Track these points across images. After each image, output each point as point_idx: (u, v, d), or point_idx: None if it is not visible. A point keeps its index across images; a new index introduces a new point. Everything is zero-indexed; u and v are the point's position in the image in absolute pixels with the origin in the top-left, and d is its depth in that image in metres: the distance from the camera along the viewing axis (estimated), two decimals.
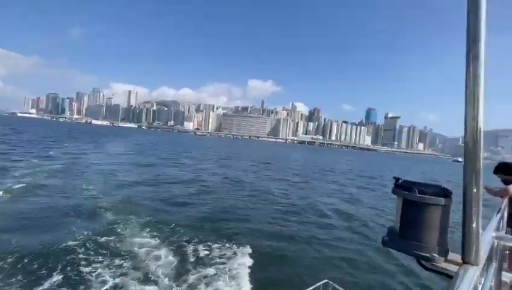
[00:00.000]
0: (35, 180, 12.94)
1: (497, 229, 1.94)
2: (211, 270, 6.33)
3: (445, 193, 1.45)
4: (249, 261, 6.89)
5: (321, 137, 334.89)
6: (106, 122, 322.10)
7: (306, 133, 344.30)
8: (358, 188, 21.32)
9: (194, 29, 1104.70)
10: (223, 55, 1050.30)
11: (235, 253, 7.27)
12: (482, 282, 1.27)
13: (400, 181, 1.61)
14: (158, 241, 7.59)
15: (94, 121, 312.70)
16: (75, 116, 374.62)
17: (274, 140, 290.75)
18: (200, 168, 22.27)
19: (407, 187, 1.51)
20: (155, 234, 8.07)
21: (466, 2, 0.86)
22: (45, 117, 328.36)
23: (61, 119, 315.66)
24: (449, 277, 1.17)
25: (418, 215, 1.47)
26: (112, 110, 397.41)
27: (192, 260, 6.78)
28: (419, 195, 1.46)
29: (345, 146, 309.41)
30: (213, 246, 7.57)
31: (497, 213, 2.23)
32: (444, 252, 1.44)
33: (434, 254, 1.41)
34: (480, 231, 1.02)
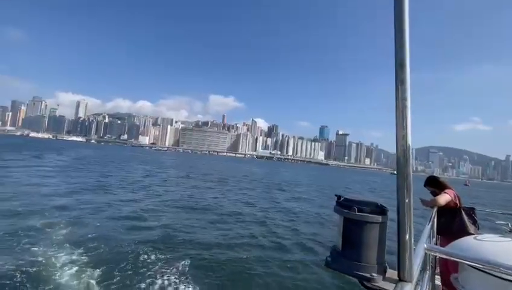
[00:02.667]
0: None
1: (429, 238, 2.08)
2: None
3: (382, 210, 1.50)
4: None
5: (279, 152, 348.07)
6: (48, 135, 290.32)
7: (265, 148, 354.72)
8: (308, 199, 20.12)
9: (153, 41, 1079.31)
10: (184, 68, 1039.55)
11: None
12: None
13: (342, 199, 1.61)
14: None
15: (33, 134, 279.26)
16: (8, 127, 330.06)
17: (234, 155, 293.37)
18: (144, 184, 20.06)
19: (348, 205, 1.52)
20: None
21: (393, 32, 0.95)
22: None
23: None
24: None
25: (358, 234, 1.48)
26: (56, 122, 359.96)
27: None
28: (358, 213, 1.47)
29: (300, 160, 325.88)
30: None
31: (429, 223, 2.37)
32: (382, 271, 1.45)
33: (373, 274, 1.41)
34: (413, 244, 1.06)
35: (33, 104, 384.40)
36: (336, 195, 1.67)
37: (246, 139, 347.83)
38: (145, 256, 6.97)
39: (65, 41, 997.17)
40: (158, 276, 5.93)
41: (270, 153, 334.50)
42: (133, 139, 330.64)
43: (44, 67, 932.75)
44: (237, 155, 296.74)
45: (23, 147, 56.15)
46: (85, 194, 14.18)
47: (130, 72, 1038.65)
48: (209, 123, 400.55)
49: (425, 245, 1.48)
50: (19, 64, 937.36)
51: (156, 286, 5.58)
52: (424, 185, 3.95)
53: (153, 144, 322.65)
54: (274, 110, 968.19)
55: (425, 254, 1.50)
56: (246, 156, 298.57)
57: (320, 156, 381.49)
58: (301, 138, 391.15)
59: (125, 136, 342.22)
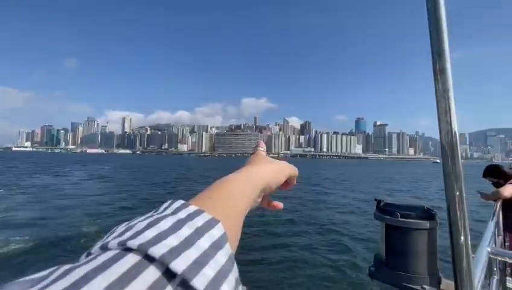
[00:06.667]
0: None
1: (493, 238, 1.66)
2: None
3: (430, 215, 1.34)
4: None
5: (313, 149, 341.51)
6: (101, 150, 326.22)
7: (298, 146, 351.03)
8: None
9: (190, 52, 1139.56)
10: (217, 74, 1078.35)
11: None
12: None
13: (382, 204, 1.47)
14: None
15: (89, 150, 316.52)
16: (70, 146, 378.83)
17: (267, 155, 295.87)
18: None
19: (389, 211, 1.40)
20: None
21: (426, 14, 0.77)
22: (40, 149, 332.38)
23: (56, 151, 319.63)
24: None
25: (403, 242, 1.35)
26: (107, 138, 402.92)
27: None
28: (401, 219, 1.34)
29: (336, 156, 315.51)
30: None
31: (492, 219, 1.97)
32: (436, 282, 1.31)
33: (425, 286, 1.28)
34: (470, 247, 0.84)
35: (87, 124, 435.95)
36: (375, 199, 1.53)
37: (278, 139, 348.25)
38: None
39: (109, 63, 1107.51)
40: None
41: (304, 150, 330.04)
42: (173, 148, 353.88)
43: (94, 90, 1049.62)
44: (270, 155, 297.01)
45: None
46: None
47: (168, 84, 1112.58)
48: (242, 126, 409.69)
49: (488, 249, 1.25)
50: (75, 89, 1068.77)
51: None
52: (483, 176, 3.37)
53: (191, 150, 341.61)
54: (308, 107, 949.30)
55: (489, 258, 1.26)
56: (279, 156, 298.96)
57: (358, 149, 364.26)
58: (336, 133, 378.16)
59: (166, 146, 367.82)
